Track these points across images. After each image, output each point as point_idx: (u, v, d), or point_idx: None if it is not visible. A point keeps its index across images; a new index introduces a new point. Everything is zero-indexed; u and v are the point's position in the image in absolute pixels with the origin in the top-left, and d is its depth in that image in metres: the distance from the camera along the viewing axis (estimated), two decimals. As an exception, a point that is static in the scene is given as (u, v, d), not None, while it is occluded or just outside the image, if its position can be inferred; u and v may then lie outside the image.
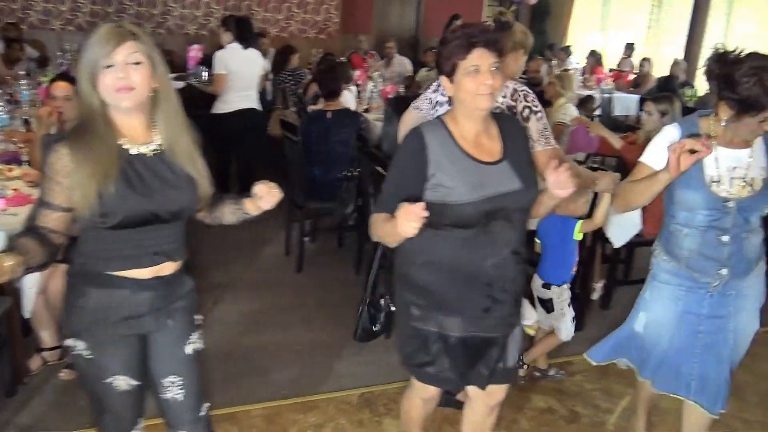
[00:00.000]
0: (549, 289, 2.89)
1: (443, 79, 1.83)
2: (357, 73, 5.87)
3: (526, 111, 2.47)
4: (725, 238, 2.01)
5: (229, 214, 1.87)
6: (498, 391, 2.07)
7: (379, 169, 3.49)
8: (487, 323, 1.89)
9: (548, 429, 2.80)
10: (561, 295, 2.88)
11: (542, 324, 3.02)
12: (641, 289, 2.32)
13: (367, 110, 5.45)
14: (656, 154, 2.04)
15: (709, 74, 1.97)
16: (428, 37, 10.14)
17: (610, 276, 3.86)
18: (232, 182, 5.15)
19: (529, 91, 2.51)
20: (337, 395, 2.93)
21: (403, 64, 7.76)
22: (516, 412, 2.88)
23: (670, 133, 2.04)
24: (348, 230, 4.48)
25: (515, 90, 2.48)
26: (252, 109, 5.03)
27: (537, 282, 2.93)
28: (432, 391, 2.14)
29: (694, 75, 8.19)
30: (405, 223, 1.55)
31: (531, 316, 2.95)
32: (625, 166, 3.64)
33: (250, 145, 5.04)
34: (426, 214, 1.53)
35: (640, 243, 3.59)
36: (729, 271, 2.04)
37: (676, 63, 7.63)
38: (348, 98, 4.73)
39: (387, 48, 7.96)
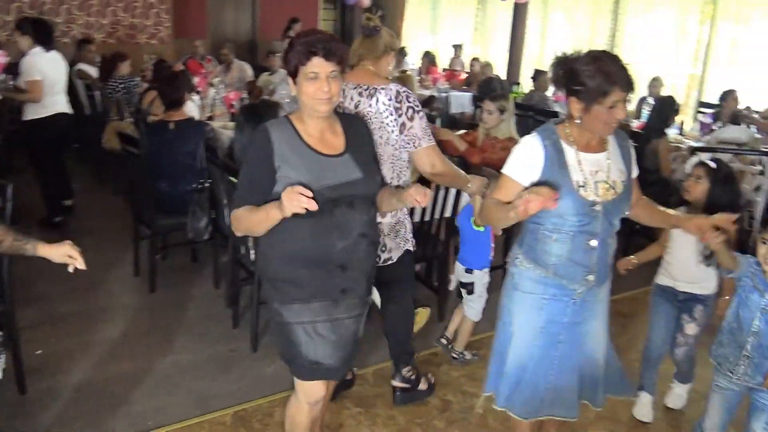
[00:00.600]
0: (471, 273, 3.17)
1: (289, 79, 1.98)
2: (196, 80, 5.66)
3: (410, 111, 2.59)
4: (594, 243, 2.01)
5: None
6: None
7: (233, 179, 3.39)
8: (348, 303, 2.06)
9: (423, 420, 2.89)
10: (482, 278, 3.18)
11: (470, 315, 3.25)
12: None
13: (210, 118, 5.27)
14: (518, 166, 2.05)
15: (556, 79, 2.03)
16: (265, 40, 10.02)
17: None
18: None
19: (411, 92, 2.64)
20: (208, 418, 2.81)
21: (243, 69, 7.59)
22: (390, 409, 2.95)
23: (530, 142, 2.04)
24: (201, 244, 4.30)
25: (398, 92, 2.59)
26: (68, 114, 4.89)
27: (459, 268, 3.21)
28: (318, 394, 2.16)
29: (518, 73, 8.85)
30: (290, 203, 1.72)
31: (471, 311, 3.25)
32: (468, 166, 3.81)
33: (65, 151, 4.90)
34: (310, 194, 1.71)
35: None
36: (595, 277, 2.05)
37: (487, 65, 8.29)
38: (191, 108, 4.54)
39: (223, 53, 7.75)
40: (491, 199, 2.10)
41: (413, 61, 9.94)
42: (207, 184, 3.82)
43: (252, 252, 3.31)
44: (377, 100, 2.59)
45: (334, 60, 1.90)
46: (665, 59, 7.57)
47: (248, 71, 7.57)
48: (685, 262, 2.73)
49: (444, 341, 3.40)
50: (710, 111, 6.35)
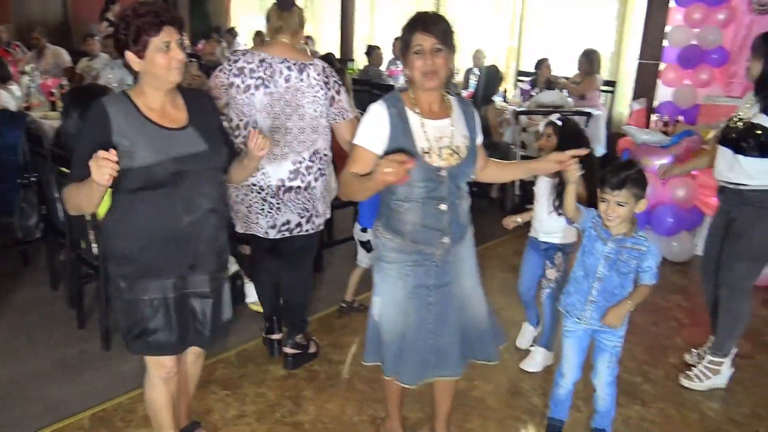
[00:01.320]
0: (366, 232, 3.42)
1: (129, 56, 1.89)
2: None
3: (336, 85, 2.77)
4: (443, 207, 2.07)
5: None
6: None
7: (64, 169, 3.16)
8: (195, 280, 2.05)
9: (292, 393, 2.93)
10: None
11: (362, 263, 3.56)
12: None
13: (28, 108, 4.82)
14: (368, 134, 2.07)
15: (395, 50, 2.22)
16: (80, 23, 9.28)
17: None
18: None
19: (332, 69, 2.82)
20: (64, 425, 2.63)
21: (58, 54, 6.97)
22: (259, 386, 2.95)
23: (376, 110, 2.07)
24: (32, 245, 3.96)
25: (324, 67, 2.76)
26: None
27: (357, 228, 3.54)
28: (168, 365, 2.14)
29: (352, 50, 8.99)
30: (97, 171, 1.66)
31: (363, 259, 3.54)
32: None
33: None
34: (115, 158, 1.67)
35: (337, 206, 3.89)
36: (449, 238, 2.12)
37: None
38: (5, 98, 4.13)
39: (34, 38, 7.07)
40: (349, 173, 2.08)
41: (244, 42, 9.72)
42: (33, 179, 3.52)
43: (94, 246, 3.12)
44: (308, 75, 2.70)
45: (179, 28, 1.92)
46: (486, 33, 8.08)
47: (65, 56, 6.98)
48: (540, 215, 3.01)
49: (344, 305, 3.67)
50: (528, 79, 6.90)
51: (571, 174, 2.22)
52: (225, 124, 2.61)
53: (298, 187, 2.79)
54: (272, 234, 2.84)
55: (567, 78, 6.65)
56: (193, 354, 2.31)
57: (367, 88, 6.57)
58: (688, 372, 3.05)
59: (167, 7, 1.94)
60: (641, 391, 3.01)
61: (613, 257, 2.30)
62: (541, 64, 6.68)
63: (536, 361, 3.16)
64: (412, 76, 2.04)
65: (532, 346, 3.26)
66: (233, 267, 3.37)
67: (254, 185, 2.78)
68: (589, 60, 6.22)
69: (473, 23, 8.29)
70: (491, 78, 5.57)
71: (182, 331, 2.08)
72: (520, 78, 7.39)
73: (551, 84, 6.57)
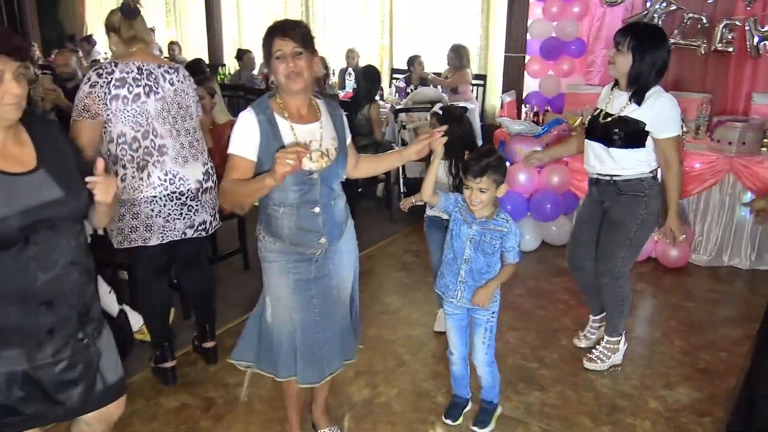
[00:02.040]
0: None
1: None
2: None
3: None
4: (317, 210, 2.13)
5: None
6: (115, 408, 1.95)
7: None
8: (56, 346, 1.72)
9: (188, 425, 2.74)
10: None
11: None
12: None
13: None
14: (241, 143, 2.08)
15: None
16: None
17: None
18: None
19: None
20: None
21: None
22: (151, 422, 2.74)
23: (245, 117, 2.09)
24: None
25: (184, 70, 2.87)
26: None
27: None
28: None
29: (221, 54, 8.68)
30: None
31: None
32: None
33: None
34: None
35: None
36: (326, 238, 2.18)
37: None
38: None
39: None
40: (230, 180, 2.08)
41: (104, 50, 9.12)
42: None
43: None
44: (184, 77, 2.81)
45: (22, 56, 1.62)
46: (357, 32, 8.07)
47: None
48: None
49: None
50: (402, 76, 6.97)
51: (437, 145, 2.30)
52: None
53: (211, 186, 2.88)
54: (189, 233, 2.84)
55: (438, 74, 6.79)
56: (105, 425, 1.99)
57: (241, 93, 6.37)
58: (589, 355, 3.17)
59: (8, 34, 1.63)
60: (539, 376, 3.10)
61: (477, 239, 2.44)
62: (414, 61, 6.77)
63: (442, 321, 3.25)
64: (278, 81, 2.09)
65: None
66: (115, 308, 3.15)
67: (173, 193, 2.73)
68: (458, 55, 6.39)
69: (343, 23, 8.27)
70: (370, 77, 5.56)
71: (45, 405, 1.74)
72: (395, 76, 7.45)
73: (425, 80, 6.68)
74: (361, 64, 7.40)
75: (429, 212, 3.26)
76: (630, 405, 2.87)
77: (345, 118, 2.30)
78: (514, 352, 3.29)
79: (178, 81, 2.77)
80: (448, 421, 2.72)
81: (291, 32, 2.04)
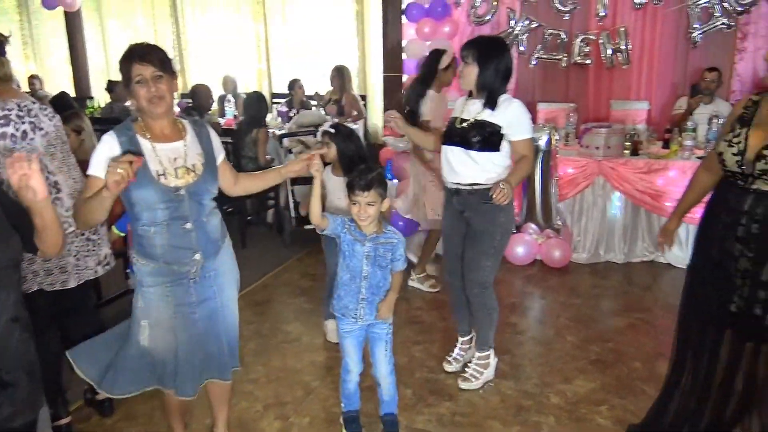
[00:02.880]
0: None
1: None
2: None
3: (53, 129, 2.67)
4: (188, 226, 2.15)
5: None
6: None
7: None
8: (5, 414, 1.62)
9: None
10: None
11: None
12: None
13: None
14: (98, 163, 2.08)
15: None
16: None
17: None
18: None
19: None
20: None
21: None
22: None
23: (106, 140, 2.10)
24: None
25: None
26: None
27: None
28: None
29: (89, 86, 8.23)
30: None
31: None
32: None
33: None
34: None
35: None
36: (201, 255, 2.20)
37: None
38: None
39: None
40: (80, 200, 2.11)
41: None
42: None
43: None
44: (51, 113, 2.69)
45: None
46: (232, 58, 7.94)
47: None
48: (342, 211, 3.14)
49: None
50: (283, 101, 6.93)
51: (313, 167, 2.37)
52: None
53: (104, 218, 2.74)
54: (100, 271, 2.83)
55: (320, 95, 6.83)
56: None
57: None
58: (463, 375, 3.18)
59: None
60: (447, 386, 3.15)
61: (372, 255, 2.50)
62: (294, 84, 6.77)
63: (334, 331, 3.24)
64: (140, 105, 2.10)
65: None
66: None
67: (77, 229, 2.63)
68: (341, 75, 6.47)
69: (216, 49, 8.11)
70: (258, 102, 5.50)
71: None
72: (275, 101, 7.40)
73: (307, 103, 6.69)
74: (239, 90, 7.29)
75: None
76: (534, 403, 2.99)
77: (214, 136, 2.32)
78: (420, 366, 3.34)
79: (52, 116, 2.69)
80: None
81: (149, 56, 2.06)
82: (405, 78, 6.20)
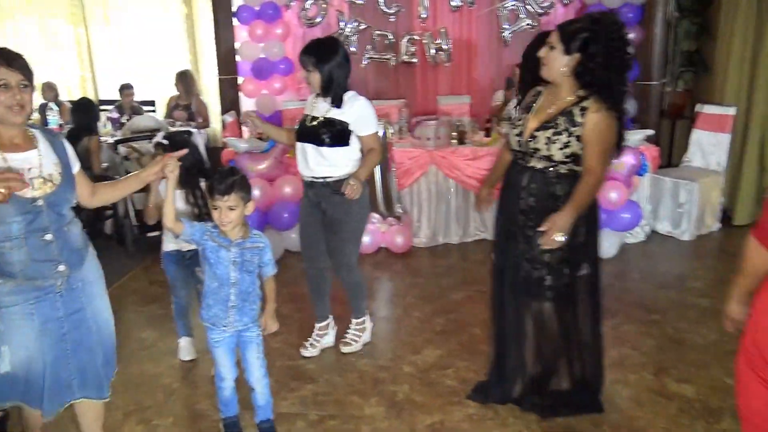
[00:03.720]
0: None
1: None
2: None
3: None
4: (49, 237, 2.06)
5: None
6: None
7: None
8: None
9: None
10: None
11: None
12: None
13: None
14: None
15: None
16: None
17: None
18: None
19: None
20: None
21: None
22: None
23: None
24: None
25: None
26: None
27: None
28: None
29: None
30: None
31: None
32: None
33: None
34: None
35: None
36: (65, 266, 2.12)
37: None
38: None
39: None
40: None
41: None
42: None
43: None
44: None
45: None
46: (51, 65, 7.43)
47: None
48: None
49: None
50: (112, 107, 6.64)
51: (168, 169, 2.32)
52: None
53: None
54: None
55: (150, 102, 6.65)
56: None
57: None
58: (344, 340, 3.46)
59: None
60: (308, 371, 3.30)
61: (239, 260, 2.48)
62: (123, 90, 6.52)
63: (186, 348, 3.41)
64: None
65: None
66: None
67: None
68: (185, 80, 6.35)
69: (32, 54, 7.54)
70: (86, 109, 5.24)
71: None
72: (104, 107, 7.05)
73: (138, 109, 6.48)
74: (62, 97, 6.87)
75: (165, 248, 3.20)
76: (389, 375, 3.23)
77: (68, 145, 2.23)
78: (281, 356, 3.45)
79: None
80: None
81: (16, 63, 2.00)
82: (240, 80, 6.24)
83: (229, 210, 2.39)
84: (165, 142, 3.08)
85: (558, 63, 2.46)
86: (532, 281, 2.63)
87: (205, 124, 6.45)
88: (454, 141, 5.10)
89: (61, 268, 2.11)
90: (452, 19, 6.21)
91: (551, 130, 2.48)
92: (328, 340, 3.51)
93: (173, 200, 2.40)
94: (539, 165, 2.53)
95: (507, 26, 6.14)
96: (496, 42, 6.24)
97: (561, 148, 2.47)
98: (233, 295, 2.50)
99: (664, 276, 4.52)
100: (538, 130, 2.51)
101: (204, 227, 2.47)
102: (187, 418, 2.93)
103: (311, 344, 3.48)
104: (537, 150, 2.50)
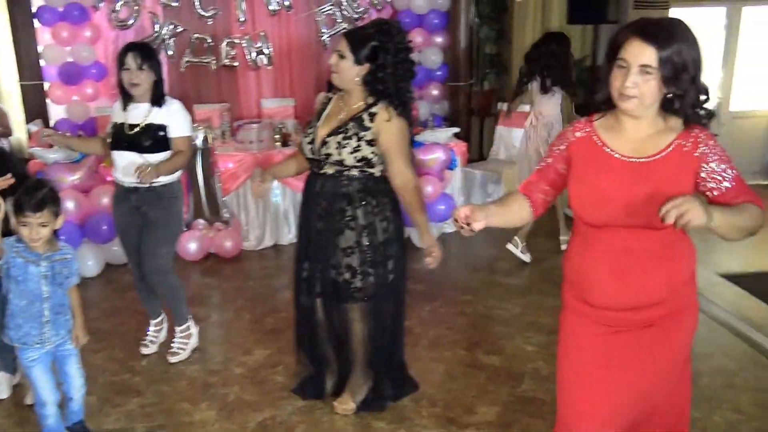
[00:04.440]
0: None
1: None
2: None
3: None
4: None
5: None
6: None
7: None
8: None
9: None
10: None
11: None
12: None
13: None
14: None
15: None
16: None
17: None
18: None
19: None
20: None
21: None
22: None
23: None
24: None
25: None
26: None
27: None
28: None
29: None
30: None
31: None
32: None
33: None
34: None
35: None
36: None
37: None
38: None
39: None
40: None
41: None
42: None
43: None
44: None
45: None
46: None
47: None
48: None
49: None
50: None
51: None
52: None
53: None
54: None
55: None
56: None
57: None
58: (170, 350, 3.41)
59: None
60: (133, 383, 3.23)
61: (50, 274, 2.44)
62: None
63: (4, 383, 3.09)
64: None
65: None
66: None
67: None
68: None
69: None
70: None
71: None
72: None
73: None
74: None
75: None
76: (219, 378, 3.26)
77: None
78: (102, 372, 3.33)
79: None
80: None
81: None
82: (46, 86, 5.84)
83: (40, 227, 2.33)
84: None
85: (350, 73, 2.59)
86: (340, 285, 2.72)
87: (7, 132, 5.93)
88: (278, 143, 5.19)
89: None
90: (271, 23, 6.26)
91: (341, 135, 2.60)
92: (164, 335, 3.55)
93: None
94: (331, 170, 2.64)
95: (325, 30, 6.33)
96: (316, 45, 6.41)
97: (351, 152, 2.58)
98: (47, 310, 2.45)
99: (476, 260, 4.97)
100: (329, 135, 2.63)
101: (11, 243, 2.38)
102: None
103: (150, 341, 3.50)
104: (329, 155, 2.61)
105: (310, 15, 6.30)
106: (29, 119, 5.74)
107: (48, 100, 5.90)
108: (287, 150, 5.11)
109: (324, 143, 2.63)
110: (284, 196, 5.20)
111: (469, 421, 2.89)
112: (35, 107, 5.81)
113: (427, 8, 6.08)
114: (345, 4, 6.25)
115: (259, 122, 5.40)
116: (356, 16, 6.32)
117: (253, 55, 6.23)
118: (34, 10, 5.68)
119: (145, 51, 3.12)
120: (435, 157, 5.00)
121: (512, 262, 4.81)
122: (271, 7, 6.18)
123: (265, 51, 6.24)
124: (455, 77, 6.26)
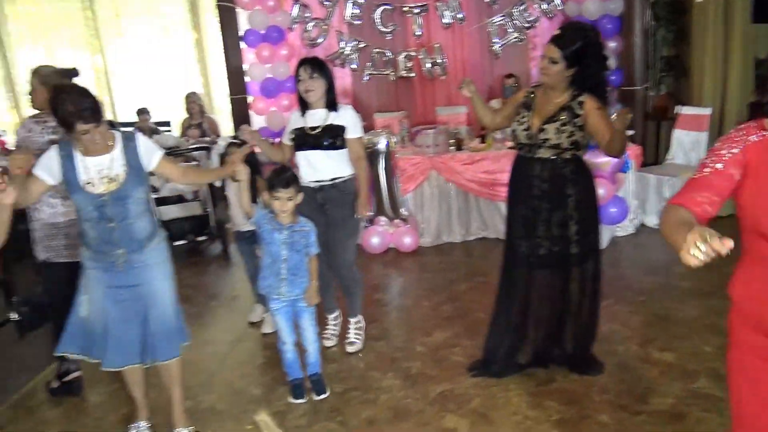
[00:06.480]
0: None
1: None
2: None
3: None
4: (112, 225, 2.58)
5: None
6: None
7: None
8: None
9: None
10: None
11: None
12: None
13: None
14: (41, 168, 2.56)
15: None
16: None
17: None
18: None
19: None
20: None
21: None
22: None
23: (51, 151, 2.58)
24: None
25: None
26: None
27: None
28: None
29: None
30: None
31: None
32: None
33: None
34: None
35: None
36: (124, 250, 2.61)
37: None
38: None
39: None
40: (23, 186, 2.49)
41: None
42: None
43: None
44: None
45: None
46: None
47: None
48: (234, 210, 3.94)
49: None
50: (130, 129, 7.04)
51: (239, 174, 2.81)
52: None
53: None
54: None
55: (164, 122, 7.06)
56: None
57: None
58: (347, 341, 3.73)
59: None
60: (329, 353, 3.68)
61: (289, 241, 3.00)
62: (140, 114, 6.95)
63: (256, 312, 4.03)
64: (79, 140, 2.52)
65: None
66: None
67: None
68: (197, 100, 6.81)
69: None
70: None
71: None
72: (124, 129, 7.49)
73: (156, 130, 6.92)
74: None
75: (235, 228, 3.91)
76: (403, 354, 3.62)
77: (142, 144, 2.63)
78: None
79: None
80: (299, 401, 3.16)
81: (89, 116, 2.45)
82: (250, 99, 6.66)
83: (287, 200, 2.92)
84: (237, 141, 3.76)
85: (561, 75, 2.92)
86: (559, 254, 3.05)
87: (217, 137, 6.89)
88: (452, 147, 5.51)
89: (120, 251, 2.61)
90: (445, 36, 6.64)
91: (558, 122, 2.93)
92: (339, 328, 3.88)
93: (247, 192, 2.97)
94: (547, 154, 2.97)
95: (497, 40, 6.57)
96: (488, 55, 6.67)
97: (568, 137, 2.92)
98: (284, 269, 3.02)
99: (651, 263, 4.90)
100: (545, 123, 2.95)
101: (263, 213, 2.99)
102: (229, 395, 3.31)
103: (332, 334, 3.82)
104: (547, 140, 2.94)
105: (482, 26, 6.59)
106: (237, 128, 6.60)
107: (251, 111, 6.74)
108: (461, 154, 5.42)
109: (541, 130, 2.95)
110: (456, 198, 5.49)
111: (641, 409, 2.96)
112: (240, 117, 6.66)
113: (600, 14, 6.10)
114: (516, 14, 6.46)
115: (435, 128, 5.76)
116: (527, 25, 6.50)
117: (429, 66, 6.64)
118: (241, 33, 6.53)
119: (314, 62, 3.43)
120: (607, 159, 5.03)
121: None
122: (445, 21, 6.55)
123: (439, 61, 6.62)
124: (630, 81, 6.20)
